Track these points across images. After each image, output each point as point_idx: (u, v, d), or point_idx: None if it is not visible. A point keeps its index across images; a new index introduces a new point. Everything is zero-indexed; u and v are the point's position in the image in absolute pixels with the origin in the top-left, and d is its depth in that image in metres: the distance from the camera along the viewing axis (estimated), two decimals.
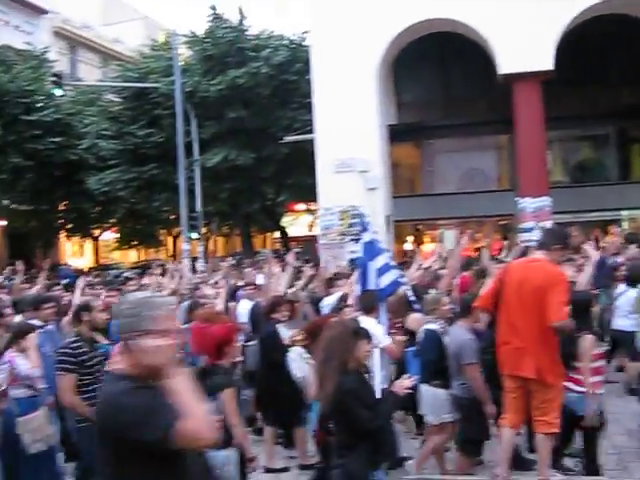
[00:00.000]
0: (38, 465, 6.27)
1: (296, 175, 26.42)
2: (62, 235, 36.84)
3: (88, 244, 41.40)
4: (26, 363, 6.33)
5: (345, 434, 4.56)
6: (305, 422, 7.12)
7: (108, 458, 2.77)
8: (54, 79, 25.15)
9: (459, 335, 6.55)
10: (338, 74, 18.97)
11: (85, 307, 6.48)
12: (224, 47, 26.12)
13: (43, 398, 6.49)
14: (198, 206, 24.77)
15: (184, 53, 28.11)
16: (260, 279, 10.50)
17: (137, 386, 2.71)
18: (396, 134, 21.20)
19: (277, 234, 38.03)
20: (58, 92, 26.38)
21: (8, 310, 7.72)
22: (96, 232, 37.64)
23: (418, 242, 23.20)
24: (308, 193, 24.59)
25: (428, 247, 20.28)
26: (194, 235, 25.18)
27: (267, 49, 26.14)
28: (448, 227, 20.51)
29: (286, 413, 7.36)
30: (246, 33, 27.38)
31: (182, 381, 2.70)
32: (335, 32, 19.12)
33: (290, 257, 9.99)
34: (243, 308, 9.40)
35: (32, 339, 6.43)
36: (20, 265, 11.44)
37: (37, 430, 6.19)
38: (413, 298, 7.53)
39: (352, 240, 19.12)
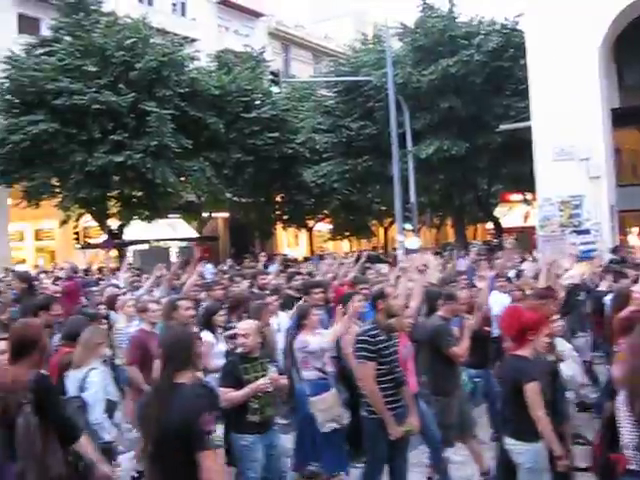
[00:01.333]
0: (331, 442, 6.64)
1: (511, 164, 25.72)
2: (279, 226, 38.49)
3: (303, 234, 42.94)
4: (315, 341, 6.75)
5: None
6: None
7: None
8: (272, 77, 26.26)
9: None
10: (556, 57, 18.18)
11: (380, 295, 6.39)
12: (435, 37, 25.94)
13: (332, 380, 6.86)
14: (412, 197, 24.82)
15: (395, 45, 28.25)
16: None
17: None
18: (619, 118, 19.95)
19: (489, 225, 37.29)
20: (275, 90, 27.56)
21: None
22: (310, 223, 38.89)
23: None
24: (523, 183, 23.89)
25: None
26: (408, 226, 25.25)
27: (479, 36, 25.61)
28: None
29: None
30: (456, 21, 27.03)
31: None
32: (551, 13, 18.34)
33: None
34: (496, 300, 9.18)
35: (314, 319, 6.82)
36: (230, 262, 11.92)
37: (328, 410, 6.53)
38: None
39: (573, 232, 18.33)
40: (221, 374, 5.98)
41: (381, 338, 5.96)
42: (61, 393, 4.75)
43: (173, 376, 3.92)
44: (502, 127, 23.64)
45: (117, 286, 11.73)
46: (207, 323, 7.45)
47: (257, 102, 30.05)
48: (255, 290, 10.81)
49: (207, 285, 10.72)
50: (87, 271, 21.32)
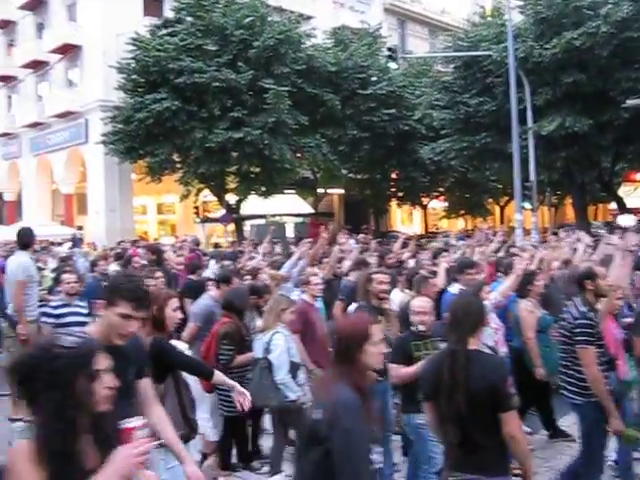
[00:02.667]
0: None
1: (638, 142, 24.56)
2: (393, 203, 38.36)
3: (417, 212, 42.66)
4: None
5: None
6: None
7: None
8: (389, 54, 26.02)
9: None
10: None
11: (589, 274, 5.97)
12: (559, 8, 24.87)
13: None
14: (532, 175, 24.09)
15: (515, 18, 27.38)
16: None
17: None
18: None
19: (613, 205, 35.84)
20: (393, 66, 27.29)
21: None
22: (425, 200, 38.55)
23: None
24: None
25: None
26: (527, 205, 24.58)
27: (607, 5, 24.42)
28: None
29: None
30: None
31: None
32: None
33: None
34: None
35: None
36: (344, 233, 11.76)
37: None
38: None
39: None
40: (392, 350, 5.82)
41: (597, 320, 5.66)
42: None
43: (465, 342, 4.06)
44: (629, 102, 22.50)
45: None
46: None
47: (373, 78, 29.88)
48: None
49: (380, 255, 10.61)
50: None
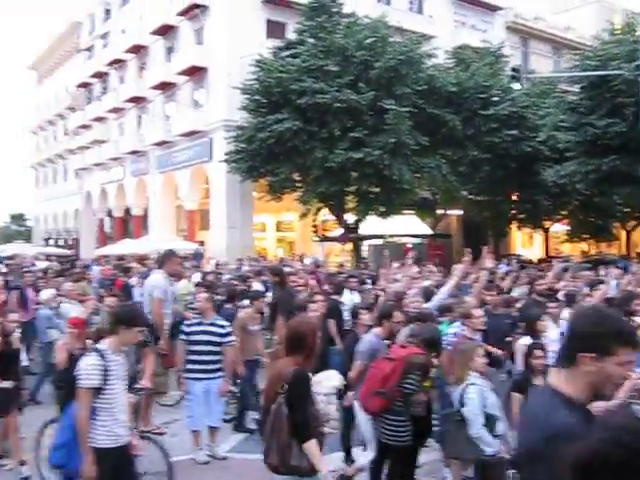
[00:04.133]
0: None
1: None
2: (513, 225, 37.45)
3: (538, 235, 41.46)
4: None
5: None
6: None
7: None
8: (513, 74, 25.59)
9: None
10: None
11: None
12: None
13: None
14: None
15: None
16: None
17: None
18: None
19: None
20: (516, 86, 26.82)
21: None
22: (547, 223, 37.43)
23: None
24: None
25: None
26: None
27: None
28: None
29: None
30: None
31: None
32: None
33: None
34: None
35: None
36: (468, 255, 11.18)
37: None
38: None
39: None
40: None
41: None
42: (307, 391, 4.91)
43: None
44: None
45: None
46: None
47: (495, 98, 29.35)
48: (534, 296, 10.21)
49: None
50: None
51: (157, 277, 9.15)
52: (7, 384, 7.70)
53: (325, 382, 5.59)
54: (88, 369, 5.05)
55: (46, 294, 11.43)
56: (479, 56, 32.78)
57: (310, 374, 4.99)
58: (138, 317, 5.51)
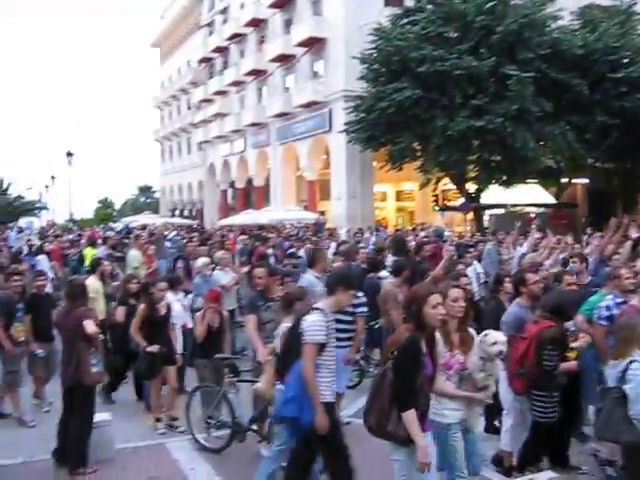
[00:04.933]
0: None
1: None
2: None
3: None
4: None
5: None
6: None
7: None
8: None
9: None
10: None
11: None
12: None
13: None
14: None
15: None
16: None
17: None
18: None
19: None
20: None
21: None
22: None
23: None
24: None
25: None
26: None
27: None
28: None
29: None
30: None
31: None
32: None
33: None
34: None
35: None
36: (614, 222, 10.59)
37: None
38: None
39: None
40: None
41: None
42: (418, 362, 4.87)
43: None
44: None
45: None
46: None
47: (626, 60, 27.97)
48: None
49: None
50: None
51: (309, 278, 8.59)
52: (154, 348, 8.22)
53: (485, 345, 5.59)
54: (314, 326, 5.25)
55: (200, 262, 11.68)
56: (608, 15, 31.23)
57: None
58: (354, 280, 5.72)
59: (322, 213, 34.19)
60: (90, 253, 16.22)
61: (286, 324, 6.23)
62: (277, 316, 7.13)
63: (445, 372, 5.30)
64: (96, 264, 11.32)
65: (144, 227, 31.17)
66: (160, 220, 43.02)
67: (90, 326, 6.92)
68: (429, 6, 27.23)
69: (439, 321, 4.90)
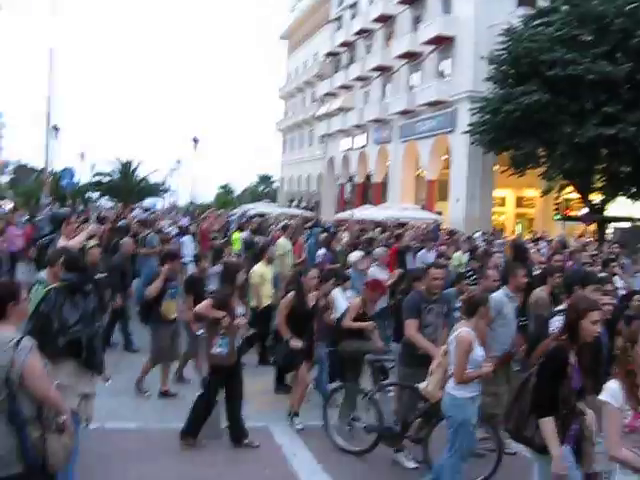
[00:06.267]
0: None
1: None
2: None
3: None
4: None
5: None
6: None
7: None
8: None
9: None
10: None
11: None
12: None
13: None
14: None
15: None
16: None
17: None
18: None
19: None
20: None
21: None
22: None
23: None
24: None
25: None
26: None
27: None
28: None
29: None
30: None
31: None
32: None
33: None
34: None
35: None
36: None
37: None
38: None
39: None
40: None
41: None
42: None
43: None
44: None
45: None
46: None
47: None
48: None
49: None
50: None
51: (499, 296, 7.45)
52: (297, 344, 7.95)
53: None
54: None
55: (355, 256, 11.50)
56: None
57: None
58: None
59: (439, 214, 33.82)
60: (237, 237, 17.05)
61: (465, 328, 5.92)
62: (455, 322, 6.54)
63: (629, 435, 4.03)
64: (263, 249, 11.20)
65: (262, 215, 31.68)
66: (277, 210, 43.62)
67: (206, 309, 7.28)
68: (564, 7, 26.37)
69: (592, 337, 4.77)
